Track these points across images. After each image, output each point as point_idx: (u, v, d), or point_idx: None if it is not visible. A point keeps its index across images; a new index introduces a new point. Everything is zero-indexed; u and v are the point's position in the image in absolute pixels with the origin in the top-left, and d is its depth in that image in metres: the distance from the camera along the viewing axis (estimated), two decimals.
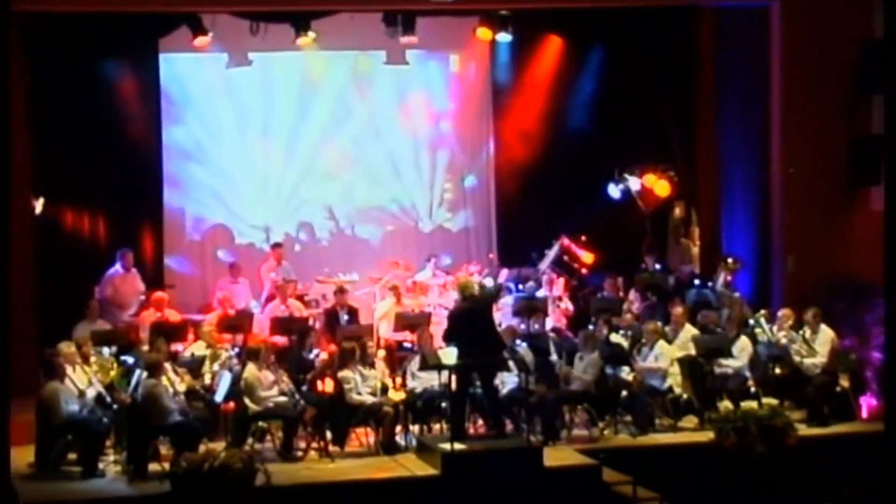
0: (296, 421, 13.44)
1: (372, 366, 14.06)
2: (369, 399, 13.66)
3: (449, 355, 13.23)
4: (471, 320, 13.26)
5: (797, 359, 14.99)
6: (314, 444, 13.50)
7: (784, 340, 15.06)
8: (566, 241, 17.97)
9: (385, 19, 17.38)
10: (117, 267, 16.72)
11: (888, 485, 2.52)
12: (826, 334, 15.13)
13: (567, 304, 17.14)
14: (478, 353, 13.04)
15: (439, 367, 13.28)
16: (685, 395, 14.67)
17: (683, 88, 18.09)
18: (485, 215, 19.58)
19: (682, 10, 17.82)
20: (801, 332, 15.19)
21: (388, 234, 19.30)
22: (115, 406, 13.10)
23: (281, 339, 15.38)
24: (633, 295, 16.96)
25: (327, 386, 13.88)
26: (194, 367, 14.16)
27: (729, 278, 16.83)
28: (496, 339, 13.40)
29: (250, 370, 13.47)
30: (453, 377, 13.17)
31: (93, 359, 13.95)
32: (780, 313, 15.58)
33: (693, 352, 14.83)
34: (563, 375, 14.40)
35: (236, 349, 14.70)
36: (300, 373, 14.22)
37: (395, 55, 18.52)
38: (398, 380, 14.20)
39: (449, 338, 13.39)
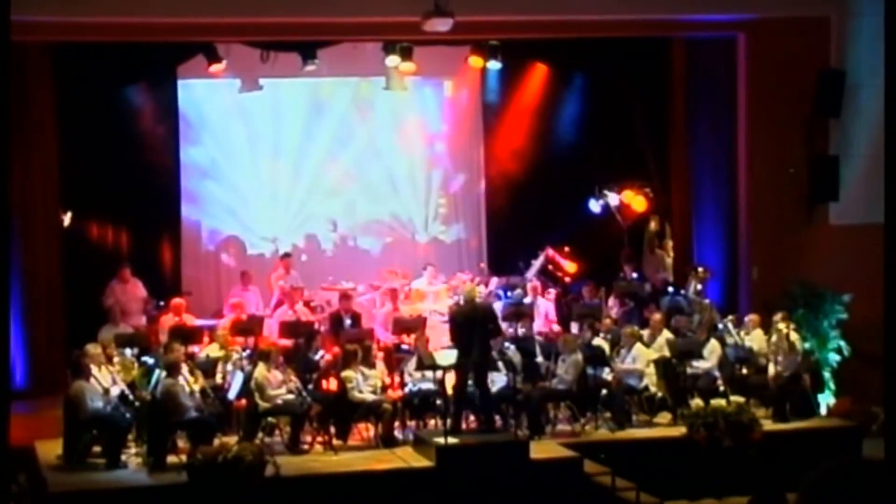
0: (302, 417, 13.44)
1: (373, 366, 14.07)
2: (370, 397, 13.67)
3: (443, 357, 13.27)
4: (466, 322, 13.27)
5: (767, 360, 14.98)
6: (319, 438, 13.50)
7: (771, 340, 15.05)
8: (551, 252, 18.00)
9: (385, 48, 17.40)
10: (115, 279, 16.71)
11: (854, 475, 2.56)
12: (792, 337, 15.12)
13: (552, 311, 17.14)
14: (467, 353, 13.06)
15: (434, 367, 13.32)
16: (660, 394, 14.70)
17: (658, 112, 18.13)
18: (476, 228, 19.60)
19: (657, 40, 17.88)
20: (767, 334, 15.21)
21: (386, 246, 19.32)
22: (136, 403, 13.08)
23: (288, 342, 15.36)
24: (611, 301, 16.99)
25: (331, 385, 13.90)
26: (209, 367, 14.13)
27: (700, 286, 16.85)
28: (485, 345, 13.38)
29: (260, 370, 13.48)
30: (448, 376, 13.23)
31: (116, 359, 13.94)
32: (747, 318, 15.62)
33: (667, 354, 14.85)
34: (551, 373, 14.44)
35: (248, 351, 14.69)
36: (306, 373, 14.20)
37: (393, 81, 18.55)
38: (396, 379, 14.20)
39: (451, 336, 13.55)
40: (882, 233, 9.85)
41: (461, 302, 14.17)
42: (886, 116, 8.31)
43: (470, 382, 13.24)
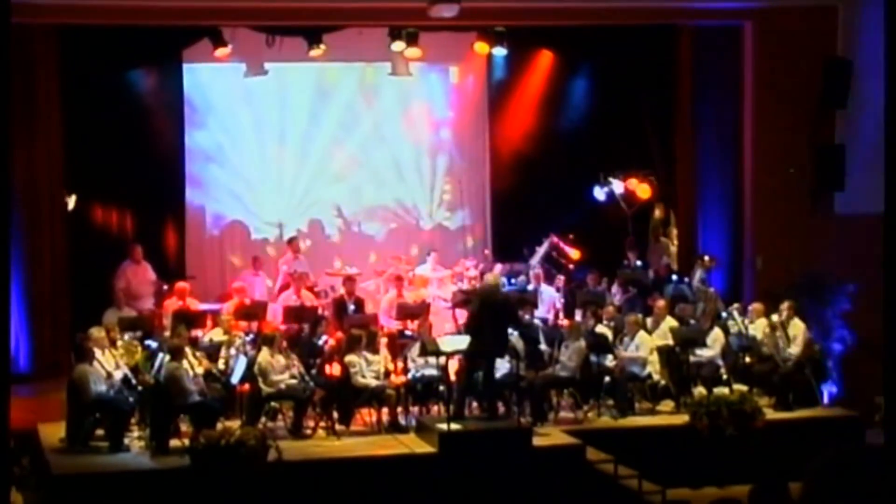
0: (305, 402, 13.46)
1: (376, 351, 14.05)
2: (373, 382, 13.66)
3: (446, 343, 13.26)
4: (483, 309, 13.24)
5: (778, 354, 14.94)
6: (322, 423, 13.51)
7: (767, 339, 15.00)
8: (555, 239, 17.97)
9: (390, 34, 17.36)
10: (128, 260, 16.70)
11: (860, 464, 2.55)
12: (798, 326, 15.12)
13: (559, 298, 17.11)
14: (482, 340, 13.03)
15: (437, 353, 13.31)
16: (663, 382, 14.69)
17: (664, 100, 18.07)
18: (480, 215, 19.56)
19: (663, 28, 17.82)
20: (774, 322, 15.19)
21: (391, 232, 19.28)
22: (139, 387, 13.10)
23: (290, 327, 15.31)
24: (615, 289, 16.97)
25: (335, 370, 13.90)
26: (212, 351, 14.15)
27: (704, 275, 16.83)
28: (503, 336, 13.36)
29: (264, 355, 13.48)
30: (451, 362, 13.22)
31: (119, 343, 13.94)
32: (751, 307, 15.60)
33: (671, 342, 14.84)
34: (554, 359, 14.40)
35: (251, 335, 14.68)
36: (310, 357, 14.21)
37: (399, 67, 18.51)
38: (399, 365, 14.20)
39: (462, 305, 13.75)
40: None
41: (480, 287, 14.13)
42: (887, 104, 8.26)
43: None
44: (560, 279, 17.34)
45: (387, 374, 13.90)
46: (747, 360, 15.00)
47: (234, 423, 12.71)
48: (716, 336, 14.98)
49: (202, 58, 17.51)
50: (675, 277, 17.05)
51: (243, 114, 18.65)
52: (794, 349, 14.91)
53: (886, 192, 8.47)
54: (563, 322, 16.01)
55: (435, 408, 14.04)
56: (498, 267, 17.50)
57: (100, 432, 13.00)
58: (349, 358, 13.74)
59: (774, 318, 15.05)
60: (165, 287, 16.47)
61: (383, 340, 14.68)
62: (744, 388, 14.24)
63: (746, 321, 15.42)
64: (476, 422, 13.15)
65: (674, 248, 18.36)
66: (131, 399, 12.96)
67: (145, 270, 16.73)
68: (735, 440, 13.32)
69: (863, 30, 16.36)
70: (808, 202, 16.94)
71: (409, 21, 16.65)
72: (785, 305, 15.15)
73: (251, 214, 18.84)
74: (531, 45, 18.52)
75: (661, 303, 15.57)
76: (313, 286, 17.04)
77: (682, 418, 13.85)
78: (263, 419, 13.43)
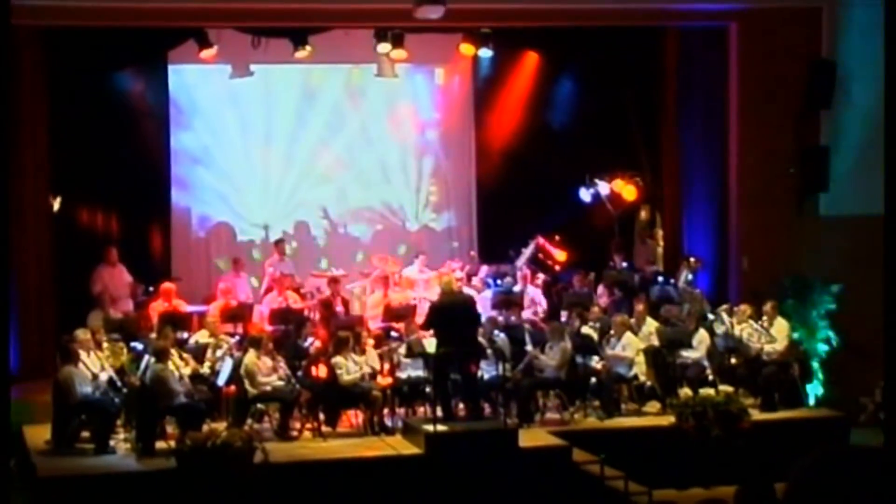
0: (292, 403, 13.44)
1: (363, 353, 14.05)
2: (360, 384, 13.64)
3: (433, 345, 13.26)
4: (449, 314, 13.27)
5: (757, 346, 15.00)
6: (308, 425, 13.51)
7: (746, 332, 15.07)
8: (541, 241, 17.99)
9: (376, 35, 17.36)
10: (103, 263, 16.62)
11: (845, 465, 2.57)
12: (781, 324, 15.17)
13: (542, 300, 17.13)
14: (453, 343, 13.06)
15: (423, 355, 13.32)
16: (649, 383, 14.71)
17: (649, 101, 18.13)
18: (466, 216, 19.58)
19: (649, 30, 17.87)
20: (759, 321, 15.25)
21: (377, 233, 19.29)
22: (125, 388, 13.07)
23: (276, 328, 15.29)
24: (601, 290, 16.99)
25: (321, 371, 13.89)
26: (198, 353, 14.12)
27: (690, 276, 16.86)
28: (471, 334, 13.40)
29: (250, 357, 13.46)
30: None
31: (105, 345, 13.90)
32: (737, 308, 15.64)
33: (657, 343, 14.86)
34: (530, 360, 14.38)
35: (237, 337, 14.66)
36: (296, 359, 14.19)
37: (385, 68, 18.50)
38: (386, 366, 14.20)
39: (426, 326, 13.59)
40: (872, 224, 9.88)
41: (439, 293, 14.15)
42: (886, 104, 8.32)
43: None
44: (539, 278, 17.32)
45: (373, 375, 13.89)
46: (733, 361, 15.04)
47: (221, 425, 12.69)
48: (701, 337, 15.00)
49: (188, 59, 17.50)
50: (660, 279, 17.08)
51: (229, 115, 18.65)
52: (777, 346, 14.97)
53: (886, 192, 8.52)
54: (539, 310, 16.04)
55: (421, 409, 14.04)
56: (484, 268, 17.54)
57: (85, 434, 12.97)
58: (335, 359, 13.73)
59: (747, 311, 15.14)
60: (151, 289, 16.41)
61: (370, 342, 14.68)
62: (729, 389, 14.26)
63: (734, 321, 15.45)
64: (462, 423, 13.14)
65: (660, 250, 18.40)
66: (117, 401, 12.93)
67: (121, 273, 16.65)
68: (721, 441, 13.34)
69: (848, 31, 16.40)
70: (793, 203, 16.97)
71: (394, 22, 16.64)
72: (769, 305, 15.20)
73: (237, 216, 18.83)
74: (517, 46, 18.55)
75: (640, 307, 15.60)
76: (299, 288, 17.04)
77: (668, 419, 13.87)
78: (249, 421, 13.40)
